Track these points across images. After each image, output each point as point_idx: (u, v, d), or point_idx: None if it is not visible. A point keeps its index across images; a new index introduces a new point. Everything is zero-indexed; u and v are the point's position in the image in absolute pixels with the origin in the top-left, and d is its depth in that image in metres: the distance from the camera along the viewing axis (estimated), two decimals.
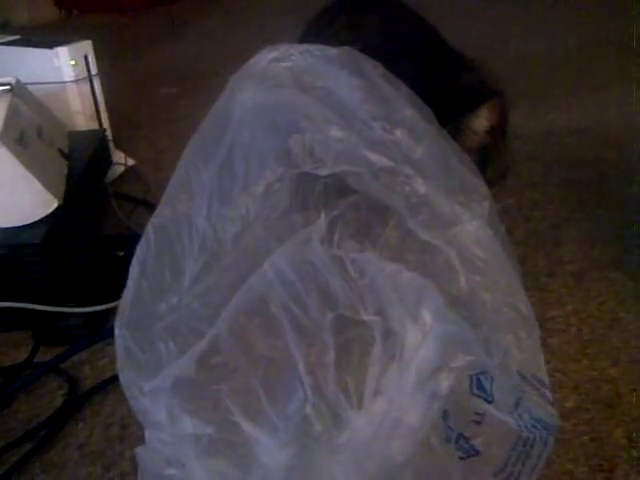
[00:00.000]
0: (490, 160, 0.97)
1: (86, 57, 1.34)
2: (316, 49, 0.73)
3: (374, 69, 0.72)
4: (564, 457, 0.70)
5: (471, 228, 0.61)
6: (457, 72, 1.00)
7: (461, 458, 0.49)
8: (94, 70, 1.36)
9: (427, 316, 0.52)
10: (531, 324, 0.61)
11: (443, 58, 1.03)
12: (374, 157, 0.60)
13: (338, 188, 0.63)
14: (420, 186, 0.60)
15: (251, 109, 0.67)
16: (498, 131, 0.97)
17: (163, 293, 0.59)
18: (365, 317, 0.52)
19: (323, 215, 0.61)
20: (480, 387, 0.50)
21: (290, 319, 0.51)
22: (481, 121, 0.94)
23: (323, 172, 0.62)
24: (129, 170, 1.38)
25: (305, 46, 0.73)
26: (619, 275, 1.00)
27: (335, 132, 0.63)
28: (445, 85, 0.95)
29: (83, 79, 1.35)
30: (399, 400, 0.49)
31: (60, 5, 3.09)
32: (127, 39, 2.89)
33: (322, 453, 0.47)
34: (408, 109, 0.69)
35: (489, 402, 0.50)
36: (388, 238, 0.61)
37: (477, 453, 0.50)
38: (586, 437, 0.73)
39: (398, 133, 0.66)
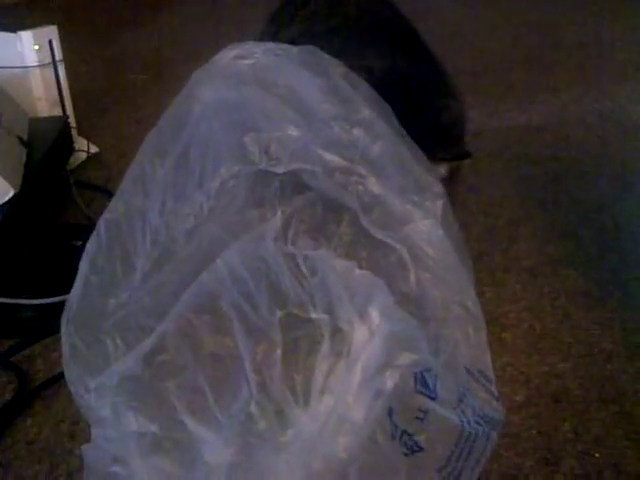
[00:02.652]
0: None
1: (50, 42, 1.31)
2: (279, 48, 0.72)
3: (335, 68, 0.71)
4: (512, 451, 0.71)
5: (423, 227, 0.61)
6: (436, 100, 0.98)
7: (405, 454, 0.49)
8: (58, 55, 1.32)
9: (375, 314, 0.51)
10: (479, 321, 0.61)
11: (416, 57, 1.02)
12: (329, 156, 0.60)
13: (294, 185, 0.62)
14: (373, 185, 0.60)
15: (211, 105, 0.65)
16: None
17: (113, 289, 0.57)
18: (314, 315, 0.51)
19: (279, 212, 0.60)
20: (424, 384, 0.50)
21: (239, 317, 0.50)
22: (441, 170, 0.94)
23: (279, 170, 0.61)
24: (92, 157, 1.34)
25: (268, 44, 0.72)
26: (571, 272, 1.01)
27: (292, 131, 0.62)
28: (421, 112, 0.94)
29: (47, 64, 1.31)
30: (345, 398, 0.49)
31: None
32: (97, 23, 2.82)
33: (266, 451, 0.46)
34: (367, 109, 0.68)
35: (433, 399, 0.50)
36: (342, 235, 0.61)
37: (421, 449, 0.49)
38: (534, 431, 0.73)
39: (356, 132, 0.66)
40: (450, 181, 1.04)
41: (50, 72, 1.32)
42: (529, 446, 0.71)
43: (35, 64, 1.30)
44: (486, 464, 0.56)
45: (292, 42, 0.92)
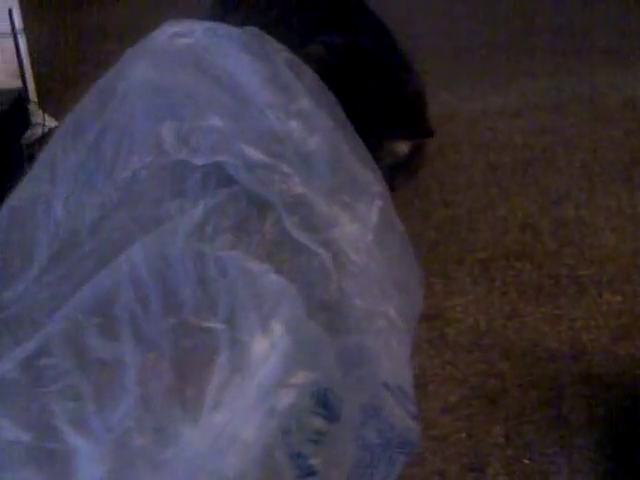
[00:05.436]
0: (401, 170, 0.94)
1: (10, 11, 1.25)
2: (220, 27, 0.67)
3: (278, 53, 0.66)
4: (438, 455, 0.67)
5: (350, 231, 0.57)
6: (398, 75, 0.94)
7: (298, 477, 0.45)
8: (19, 25, 1.27)
9: (277, 327, 0.47)
10: (402, 332, 0.58)
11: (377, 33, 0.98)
12: (251, 151, 0.55)
13: (219, 178, 0.58)
14: (296, 185, 0.55)
15: (137, 87, 0.60)
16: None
17: (10, 280, 0.53)
18: (211, 324, 0.47)
19: (201, 205, 0.56)
20: (323, 404, 0.46)
21: (130, 322, 0.46)
22: (403, 148, 0.89)
23: (199, 161, 0.56)
24: (52, 132, 1.30)
25: (209, 24, 0.67)
26: (526, 265, 0.96)
27: (216, 121, 0.57)
28: (383, 91, 0.90)
29: (6, 34, 1.25)
30: (237, 415, 0.45)
31: None
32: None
33: (143, 469, 0.42)
34: (307, 99, 0.63)
35: (331, 420, 0.46)
36: (266, 234, 0.56)
37: (315, 473, 0.46)
38: (463, 434, 0.70)
39: (292, 124, 0.61)
40: (411, 161, 1.00)
41: (9, 42, 1.26)
42: (456, 450, 0.68)
43: None
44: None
45: (241, 25, 0.88)
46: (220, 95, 0.58)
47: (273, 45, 0.64)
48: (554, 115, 1.48)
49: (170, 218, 0.54)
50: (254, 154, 0.54)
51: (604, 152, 1.29)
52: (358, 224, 0.56)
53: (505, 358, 0.79)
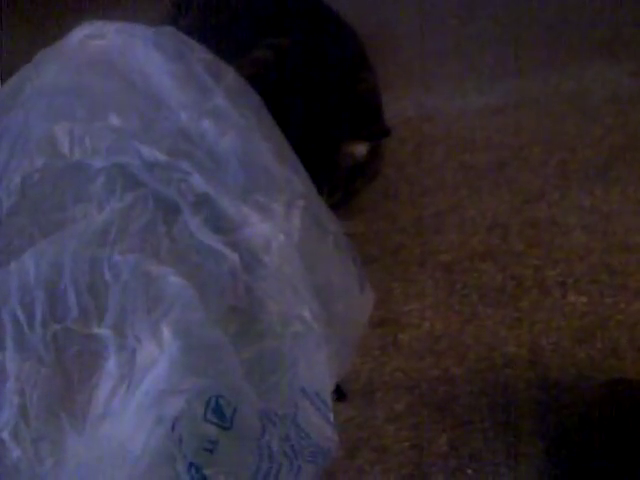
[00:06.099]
0: (360, 172, 0.92)
1: None
2: (133, 27, 0.65)
3: (195, 53, 0.65)
4: (378, 466, 0.65)
5: (261, 231, 0.55)
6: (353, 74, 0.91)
7: None
8: None
9: (167, 331, 0.45)
10: (320, 337, 0.55)
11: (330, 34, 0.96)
12: (147, 150, 0.53)
13: (125, 180, 0.56)
14: (199, 184, 0.54)
15: (40, 89, 0.59)
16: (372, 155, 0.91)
17: None
18: (97, 330, 0.45)
19: (108, 209, 0.54)
20: (217, 412, 0.44)
21: (14, 329, 0.45)
22: (361, 149, 0.87)
23: (98, 163, 0.55)
24: None
25: (122, 24, 0.66)
26: (490, 266, 0.94)
27: (114, 120, 0.55)
28: (337, 91, 0.88)
29: None
30: (125, 424, 0.43)
31: None
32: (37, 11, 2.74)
33: None
34: (222, 98, 0.62)
35: (225, 429, 0.44)
36: (173, 237, 0.54)
37: None
38: (407, 443, 0.67)
39: (204, 123, 0.59)
40: (370, 163, 0.97)
41: None
42: (397, 461, 0.65)
43: None
44: None
45: (189, 30, 0.86)
46: (127, 95, 0.56)
47: (189, 45, 0.63)
48: (535, 113, 1.45)
49: (73, 223, 0.52)
50: (152, 153, 0.53)
51: (583, 150, 1.25)
52: (270, 224, 0.54)
53: (459, 364, 0.77)
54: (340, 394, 0.72)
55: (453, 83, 1.62)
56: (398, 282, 0.91)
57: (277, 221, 0.56)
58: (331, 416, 0.52)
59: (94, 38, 0.63)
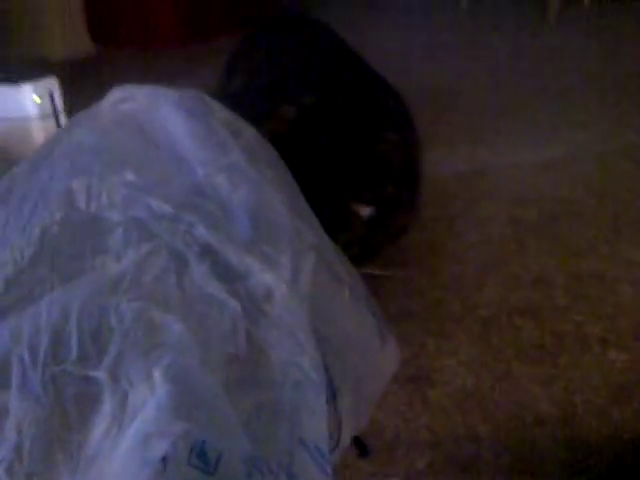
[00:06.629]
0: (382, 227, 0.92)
1: (52, 94, 1.36)
2: (161, 91, 0.70)
3: (215, 113, 0.69)
4: None
5: (263, 281, 0.57)
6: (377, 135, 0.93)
7: None
8: (60, 107, 1.37)
9: (157, 375, 0.47)
10: (318, 387, 0.56)
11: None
12: (155, 204, 0.57)
13: (141, 233, 0.60)
14: (202, 235, 0.56)
15: (68, 149, 0.64)
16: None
17: None
18: (94, 373, 0.48)
19: (124, 260, 0.58)
20: (201, 457, 0.45)
21: (18, 369, 0.48)
22: (365, 211, 0.89)
23: (114, 216, 0.58)
24: None
25: (151, 88, 0.71)
26: (529, 322, 0.91)
27: (129, 176, 0.59)
28: (354, 150, 0.90)
29: (48, 116, 1.36)
30: (113, 466, 0.45)
31: (97, 39, 3.08)
32: (155, 76, 2.92)
33: None
34: (239, 154, 0.65)
35: (209, 474, 0.45)
36: (183, 287, 0.57)
37: None
38: None
39: (219, 178, 0.63)
40: (395, 218, 0.97)
41: (52, 123, 1.37)
42: None
43: (36, 115, 1.35)
44: None
45: (234, 94, 0.92)
46: (148, 152, 0.60)
47: (211, 105, 0.67)
48: (592, 166, 1.42)
49: (91, 272, 0.56)
50: (160, 206, 0.56)
51: (636, 202, 1.22)
52: (274, 274, 0.56)
53: (486, 421, 0.75)
54: (362, 449, 0.71)
55: (509, 138, 1.62)
56: (433, 337, 0.90)
57: (282, 271, 0.58)
58: (329, 468, 0.52)
59: (124, 101, 0.68)
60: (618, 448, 0.68)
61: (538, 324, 0.90)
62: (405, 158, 0.92)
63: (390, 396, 0.79)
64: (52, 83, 1.40)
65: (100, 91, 0.69)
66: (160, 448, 0.44)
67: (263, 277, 0.56)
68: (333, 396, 0.61)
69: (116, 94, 0.69)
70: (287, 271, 0.58)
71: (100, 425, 0.47)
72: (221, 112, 0.70)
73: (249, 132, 0.69)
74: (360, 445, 0.71)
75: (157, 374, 0.47)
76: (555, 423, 0.73)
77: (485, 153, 1.53)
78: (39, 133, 1.39)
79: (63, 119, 1.41)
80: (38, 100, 1.37)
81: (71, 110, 1.29)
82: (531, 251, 1.10)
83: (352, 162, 0.86)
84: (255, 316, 0.55)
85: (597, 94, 1.89)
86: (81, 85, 1.64)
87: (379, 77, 1.04)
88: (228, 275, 0.56)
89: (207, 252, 0.56)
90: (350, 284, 0.67)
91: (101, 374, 0.47)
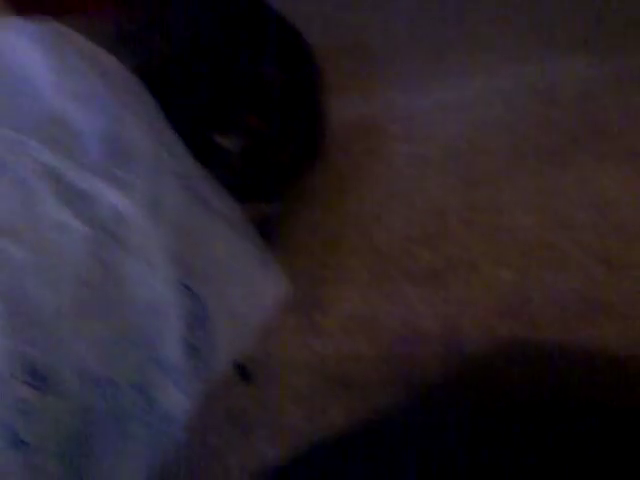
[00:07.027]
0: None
1: None
2: (15, 23, 0.68)
3: (74, 44, 0.67)
4: (269, 441, 0.64)
5: (116, 205, 0.55)
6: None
7: (5, 448, 0.42)
8: None
9: None
10: (174, 309, 0.55)
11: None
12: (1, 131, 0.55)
13: None
14: (51, 161, 0.54)
15: None
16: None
17: None
18: None
19: None
20: (33, 375, 0.44)
21: None
22: (230, 145, 0.85)
23: None
24: None
25: (3, 20, 0.69)
26: (424, 249, 0.92)
27: None
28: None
29: None
30: None
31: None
32: None
33: None
34: (92, 82, 0.64)
35: (41, 391, 0.44)
36: (30, 213, 0.55)
37: (24, 444, 0.43)
38: (302, 418, 0.66)
39: (73, 106, 0.61)
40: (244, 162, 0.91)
41: None
42: (289, 434, 0.64)
43: None
44: None
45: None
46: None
47: (70, 36, 0.65)
48: (501, 107, 1.43)
49: None
50: (6, 134, 0.54)
51: (539, 137, 1.23)
52: (127, 198, 0.55)
53: (372, 342, 0.75)
54: (244, 374, 0.71)
55: (421, 82, 1.61)
56: (329, 269, 0.90)
57: (136, 195, 0.56)
58: (184, 385, 0.51)
59: None
60: (501, 361, 0.69)
61: (431, 250, 0.91)
62: (293, 96, 0.90)
63: (279, 324, 0.79)
64: None
65: None
66: None
67: (115, 201, 0.55)
68: (205, 320, 0.60)
69: None
70: (142, 196, 0.57)
71: None
72: (80, 43, 0.68)
73: (110, 62, 0.67)
74: (241, 369, 0.70)
75: None
76: (439, 339, 0.74)
77: (397, 97, 1.53)
78: None
79: None
80: None
81: None
82: (431, 185, 1.10)
83: (219, 95, 0.84)
84: (107, 239, 0.54)
85: (509, 40, 1.90)
86: None
87: (275, 15, 1.02)
88: (79, 200, 0.54)
89: (56, 178, 0.54)
90: (226, 215, 0.66)
91: None
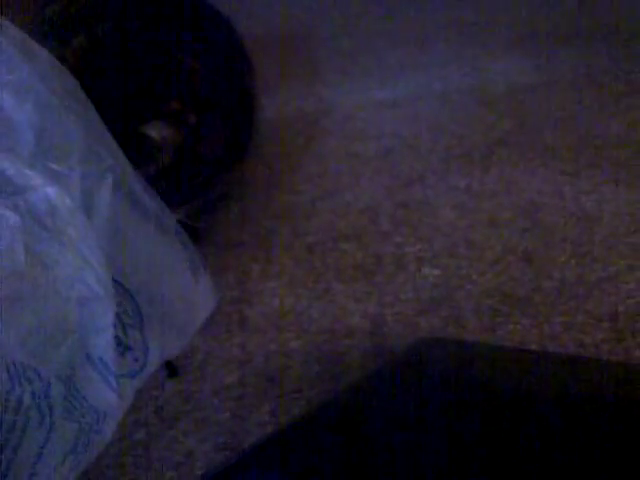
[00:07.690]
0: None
1: None
2: None
3: (5, 32, 0.66)
4: (194, 436, 0.64)
5: (46, 195, 0.55)
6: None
7: None
8: None
9: None
10: (105, 303, 0.55)
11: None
12: None
13: None
14: None
15: None
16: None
17: None
18: None
19: None
20: None
21: None
22: (154, 134, 0.85)
23: None
24: None
25: None
26: (353, 246, 0.94)
27: None
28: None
29: None
30: None
31: None
32: None
33: None
34: (26, 74, 0.62)
35: None
36: None
37: None
38: (228, 414, 0.66)
39: (2, 95, 0.60)
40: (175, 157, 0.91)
41: None
42: (214, 431, 0.64)
43: None
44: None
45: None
46: None
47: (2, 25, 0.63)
48: (434, 105, 1.48)
49: None
50: None
51: (471, 136, 1.28)
52: (58, 189, 0.54)
53: (299, 337, 0.77)
54: (171, 370, 0.71)
55: (356, 79, 1.64)
56: (259, 264, 0.91)
57: (69, 187, 0.56)
58: (114, 382, 0.52)
59: None
60: (422, 358, 0.72)
61: (361, 247, 0.93)
62: (218, 85, 0.91)
63: (210, 319, 0.79)
64: None
65: None
66: None
67: (46, 191, 0.54)
68: (138, 320, 0.60)
69: None
70: (75, 188, 0.57)
71: None
72: (12, 31, 0.66)
73: (42, 54, 0.66)
74: (169, 366, 0.71)
75: None
76: (364, 334, 0.76)
77: (332, 93, 1.55)
78: None
79: None
80: None
81: None
82: (363, 183, 1.13)
83: (141, 83, 0.83)
84: (36, 230, 0.53)
85: (447, 41, 1.95)
86: None
87: (201, 6, 1.01)
88: (7, 189, 0.54)
89: None
90: (157, 214, 0.66)
91: None
